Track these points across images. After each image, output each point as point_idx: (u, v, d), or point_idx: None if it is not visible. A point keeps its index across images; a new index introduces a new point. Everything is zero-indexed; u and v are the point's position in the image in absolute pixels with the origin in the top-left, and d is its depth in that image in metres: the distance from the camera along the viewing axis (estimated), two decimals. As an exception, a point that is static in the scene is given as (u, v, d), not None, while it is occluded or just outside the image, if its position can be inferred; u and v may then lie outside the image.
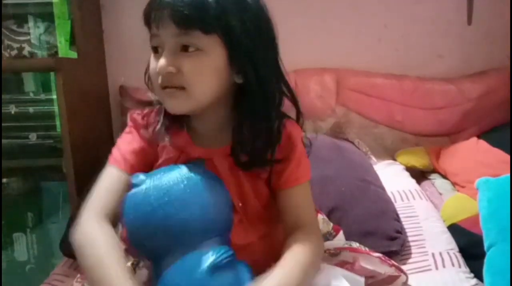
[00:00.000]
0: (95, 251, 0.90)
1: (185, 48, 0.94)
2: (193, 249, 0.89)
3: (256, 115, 1.00)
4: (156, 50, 0.98)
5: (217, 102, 1.01)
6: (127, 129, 1.10)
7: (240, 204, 1.02)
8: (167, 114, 1.05)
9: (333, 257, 1.10)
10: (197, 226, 0.90)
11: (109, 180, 1.02)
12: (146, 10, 0.99)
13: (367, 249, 1.17)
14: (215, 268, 0.86)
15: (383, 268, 1.12)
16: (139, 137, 1.07)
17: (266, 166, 1.03)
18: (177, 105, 0.98)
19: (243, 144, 1.00)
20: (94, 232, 0.93)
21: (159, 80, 0.96)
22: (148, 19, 0.99)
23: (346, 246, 1.15)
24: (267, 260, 0.95)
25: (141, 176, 0.94)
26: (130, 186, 0.95)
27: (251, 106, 1.00)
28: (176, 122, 1.06)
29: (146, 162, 1.05)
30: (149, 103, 1.12)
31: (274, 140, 1.01)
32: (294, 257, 0.93)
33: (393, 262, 1.14)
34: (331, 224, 1.28)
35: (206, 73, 0.96)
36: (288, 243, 0.97)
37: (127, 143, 1.07)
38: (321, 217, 1.27)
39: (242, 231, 1.01)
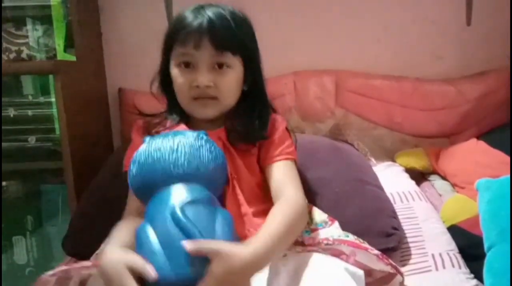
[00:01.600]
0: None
1: (219, 66, 1.19)
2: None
3: (256, 106, 1.28)
4: (186, 65, 1.19)
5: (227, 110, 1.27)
6: (132, 137, 1.29)
7: (234, 175, 1.19)
8: (170, 118, 1.29)
9: (330, 246, 1.11)
10: (190, 174, 0.98)
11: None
12: (175, 30, 1.20)
13: (366, 243, 1.18)
14: (193, 201, 0.94)
15: (379, 265, 1.13)
16: (141, 139, 1.14)
17: (254, 140, 1.24)
18: (210, 112, 1.23)
19: (241, 123, 1.24)
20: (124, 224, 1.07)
21: (193, 93, 1.20)
22: (174, 38, 1.19)
23: (344, 238, 1.17)
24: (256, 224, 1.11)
25: (148, 137, 1.06)
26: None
27: (252, 102, 1.29)
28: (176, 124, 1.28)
29: None
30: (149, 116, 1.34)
31: (265, 121, 1.27)
32: (274, 217, 1.03)
33: (390, 261, 1.14)
34: (326, 215, 1.31)
35: (233, 85, 1.24)
36: (271, 210, 1.07)
37: (133, 150, 1.11)
38: (316, 208, 1.34)
39: (235, 202, 1.16)
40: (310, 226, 1.24)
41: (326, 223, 1.28)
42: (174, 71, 1.22)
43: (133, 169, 1.01)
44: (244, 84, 1.27)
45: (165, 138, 1.03)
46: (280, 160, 1.22)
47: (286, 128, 1.31)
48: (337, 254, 1.08)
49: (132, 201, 1.15)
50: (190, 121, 1.28)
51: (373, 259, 1.12)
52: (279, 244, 0.98)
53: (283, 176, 1.19)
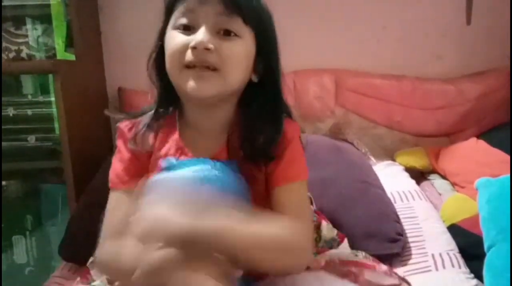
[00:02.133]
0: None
1: (225, 33, 0.94)
2: None
3: (268, 113, 1.02)
4: (185, 28, 0.95)
5: (229, 98, 1.01)
6: (117, 143, 1.09)
7: None
8: (157, 120, 1.05)
9: (339, 267, 1.10)
10: None
11: (115, 205, 1.01)
12: None
13: (371, 258, 1.17)
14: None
15: (388, 280, 1.11)
16: (127, 151, 1.05)
17: (263, 161, 1.00)
18: (206, 87, 0.94)
19: (249, 140, 0.99)
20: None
21: (189, 57, 0.93)
22: None
23: (351, 259, 1.15)
24: None
25: (173, 160, 0.95)
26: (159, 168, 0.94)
27: (263, 103, 1.02)
28: (167, 126, 1.05)
29: (142, 172, 1.01)
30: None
31: (276, 137, 1.00)
32: (269, 225, 0.90)
33: (398, 275, 1.13)
34: (336, 231, 1.27)
35: (241, 59, 0.97)
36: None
37: (118, 161, 1.05)
38: (325, 224, 1.26)
39: None
40: (318, 245, 1.20)
41: (335, 240, 1.24)
42: (169, 35, 0.97)
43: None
44: (254, 72, 1.02)
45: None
46: (289, 182, 1.00)
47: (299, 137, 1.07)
48: (345, 274, 1.07)
49: (115, 216, 0.99)
50: (184, 121, 1.05)
51: (381, 276, 1.11)
52: (246, 247, 0.85)
53: (292, 202, 0.99)
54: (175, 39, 0.95)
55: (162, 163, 0.94)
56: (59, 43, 1.96)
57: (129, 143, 1.04)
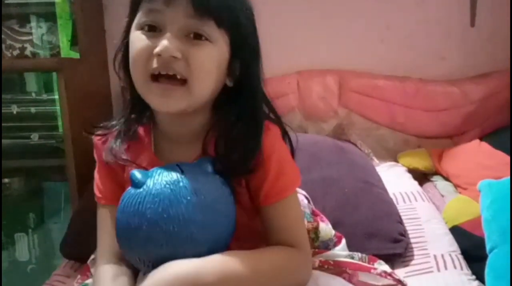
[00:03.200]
0: None
1: (195, 36, 0.85)
2: None
3: (245, 119, 0.93)
4: (151, 29, 0.86)
5: (201, 107, 0.93)
6: (95, 156, 1.04)
7: None
8: (129, 129, 0.98)
9: (334, 267, 1.09)
10: (196, 246, 0.83)
11: (105, 222, 0.98)
12: None
13: (367, 259, 1.17)
14: None
15: (382, 281, 1.09)
16: (102, 166, 1.01)
17: (242, 175, 0.93)
18: (173, 103, 0.86)
19: (227, 151, 0.92)
20: (106, 277, 0.90)
21: (154, 65, 0.84)
22: None
23: (347, 260, 1.14)
24: None
25: (138, 175, 0.85)
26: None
27: (240, 110, 0.93)
28: (140, 136, 0.99)
29: (120, 184, 0.99)
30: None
31: (254, 151, 0.91)
32: (265, 253, 0.89)
33: (394, 276, 1.12)
34: (333, 231, 1.25)
35: (212, 68, 0.87)
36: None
37: (97, 172, 1.03)
38: (322, 225, 1.24)
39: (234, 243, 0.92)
40: (315, 244, 1.19)
41: (331, 240, 1.22)
42: (133, 36, 0.88)
43: (124, 226, 0.85)
44: (228, 77, 0.93)
45: None
46: (279, 199, 0.94)
47: (283, 136, 1.00)
48: (339, 273, 1.06)
49: (106, 238, 0.97)
50: (155, 141, 0.99)
51: (376, 278, 1.09)
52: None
53: (286, 222, 0.94)
54: (138, 42, 0.86)
55: (131, 176, 0.85)
56: (63, 41, 1.96)
57: (103, 156, 0.98)
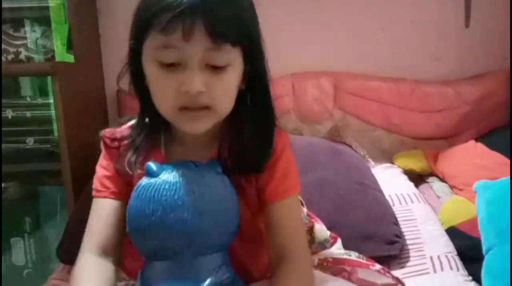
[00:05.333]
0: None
1: (215, 66, 0.85)
2: (192, 259, 0.86)
3: (258, 122, 0.95)
4: (169, 63, 0.85)
5: None
6: (102, 151, 1.04)
7: None
8: (140, 134, 0.99)
9: (333, 265, 1.10)
10: (204, 237, 0.86)
11: (99, 214, 0.98)
12: (152, 7, 0.83)
13: (364, 259, 1.17)
14: None
15: (382, 279, 1.11)
16: (111, 165, 1.00)
17: (254, 175, 0.96)
18: (201, 126, 0.90)
19: (239, 155, 0.95)
20: (91, 269, 0.91)
21: (181, 101, 0.86)
22: (152, 20, 0.83)
23: (345, 257, 1.15)
24: (255, 265, 0.98)
25: (154, 167, 0.89)
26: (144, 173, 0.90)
27: (254, 112, 0.95)
28: (152, 141, 0.99)
29: (126, 182, 0.98)
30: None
31: (268, 152, 0.95)
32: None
33: (392, 274, 1.13)
34: (328, 232, 1.25)
35: (233, 89, 0.90)
36: (277, 278, 0.91)
37: (103, 169, 1.01)
38: (317, 226, 1.24)
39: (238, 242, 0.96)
40: (312, 246, 1.19)
41: (327, 241, 1.22)
42: (151, 70, 0.88)
43: (136, 215, 0.89)
44: (242, 82, 0.94)
45: None
46: (284, 197, 0.97)
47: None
48: (338, 272, 1.07)
49: (105, 232, 0.96)
50: (170, 134, 1.00)
51: (375, 275, 1.10)
52: None
53: (288, 221, 0.96)
54: (161, 80, 0.86)
55: (146, 167, 0.89)
56: (58, 45, 1.96)
57: (116, 165, 0.99)
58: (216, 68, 0.85)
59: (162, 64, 0.85)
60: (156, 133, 0.99)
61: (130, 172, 0.96)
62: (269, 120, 0.97)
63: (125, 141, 1.00)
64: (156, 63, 0.85)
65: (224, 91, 0.88)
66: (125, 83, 0.95)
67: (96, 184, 1.01)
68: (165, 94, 0.87)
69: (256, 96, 0.95)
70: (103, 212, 0.98)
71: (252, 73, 0.93)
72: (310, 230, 1.21)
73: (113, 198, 0.98)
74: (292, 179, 0.99)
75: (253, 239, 0.99)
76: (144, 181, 0.89)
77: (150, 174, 0.89)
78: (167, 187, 0.86)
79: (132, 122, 1.03)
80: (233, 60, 0.87)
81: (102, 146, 1.04)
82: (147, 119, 0.99)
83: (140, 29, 0.86)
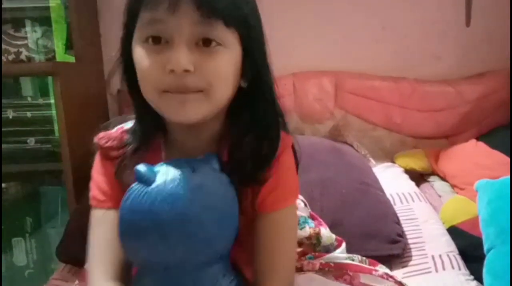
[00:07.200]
0: None
1: (205, 42, 0.78)
2: (194, 269, 0.82)
3: (260, 124, 0.88)
4: (155, 40, 0.78)
5: (217, 114, 0.87)
6: (97, 156, 0.98)
7: None
8: (137, 138, 0.91)
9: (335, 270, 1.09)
10: (207, 246, 0.81)
11: (102, 229, 0.91)
12: None
13: (367, 262, 1.16)
14: None
15: (384, 283, 1.09)
16: (109, 171, 0.94)
17: (252, 184, 0.88)
18: (192, 112, 0.80)
19: (241, 159, 0.87)
20: None
21: (166, 82, 0.78)
22: (140, 2, 0.79)
23: (347, 261, 1.14)
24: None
25: (144, 171, 0.80)
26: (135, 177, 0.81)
27: (256, 114, 0.88)
28: (151, 147, 0.92)
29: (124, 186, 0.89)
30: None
31: (269, 160, 0.87)
32: None
33: (395, 278, 1.12)
34: (334, 236, 1.24)
35: (228, 72, 0.81)
36: None
37: (101, 174, 0.95)
38: (323, 230, 1.23)
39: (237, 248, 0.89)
40: (316, 249, 1.18)
41: (332, 245, 1.21)
42: (138, 51, 0.80)
43: (129, 222, 0.81)
44: (242, 78, 0.86)
45: None
46: (280, 208, 0.90)
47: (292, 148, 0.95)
48: (340, 275, 1.06)
49: (112, 250, 0.89)
50: (166, 135, 0.93)
51: (377, 280, 1.09)
52: None
53: (280, 235, 0.90)
54: (146, 59, 0.79)
55: (136, 171, 0.81)
56: (58, 45, 1.96)
57: (116, 175, 0.92)
58: (207, 47, 0.78)
59: (148, 44, 0.79)
60: (153, 138, 0.92)
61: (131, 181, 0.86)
62: (271, 132, 0.89)
63: (121, 150, 0.92)
64: (143, 44, 0.80)
65: (217, 73, 0.79)
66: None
67: (94, 191, 0.95)
68: (149, 75, 0.79)
69: (258, 97, 0.88)
70: (107, 228, 0.90)
71: (253, 69, 0.86)
72: (317, 234, 1.20)
73: (115, 209, 0.88)
74: (291, 188, 0.93)
75: (251, 248, 0.92)
76: (136, 188, 0.81)
77: (144, 181, 0.80)
78: (163, 198, 0.78)
79: (129, 125, 0.96)
80: (227, 41, 0.80)
81: (97, 153, 0.98)
82: (140, 125, 0.92)
83: (132, 9, 0.82)
